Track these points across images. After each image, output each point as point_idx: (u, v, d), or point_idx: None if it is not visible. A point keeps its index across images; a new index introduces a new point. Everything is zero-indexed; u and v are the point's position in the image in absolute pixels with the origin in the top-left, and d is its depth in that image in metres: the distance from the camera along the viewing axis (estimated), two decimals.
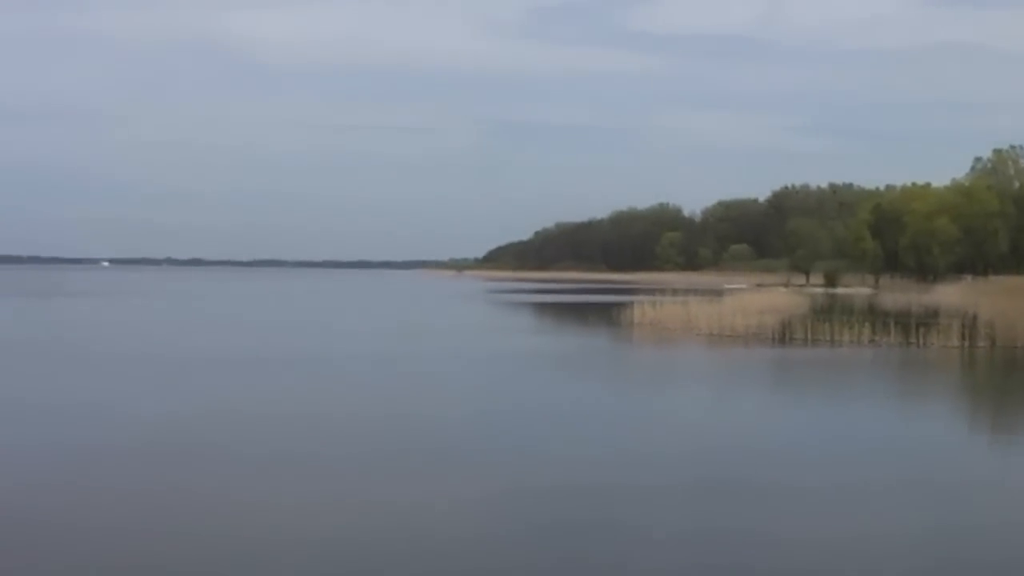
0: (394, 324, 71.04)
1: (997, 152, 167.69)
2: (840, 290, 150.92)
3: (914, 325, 56.03)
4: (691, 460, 21.82)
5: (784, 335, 56.14)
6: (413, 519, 16.42)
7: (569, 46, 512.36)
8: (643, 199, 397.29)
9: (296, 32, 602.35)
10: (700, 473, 20.37)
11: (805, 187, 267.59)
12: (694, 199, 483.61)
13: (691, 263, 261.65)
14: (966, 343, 51.41)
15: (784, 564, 14.50)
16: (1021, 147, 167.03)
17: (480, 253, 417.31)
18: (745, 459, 22.09)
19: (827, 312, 78.55)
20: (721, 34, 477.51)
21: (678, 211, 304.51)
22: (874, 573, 14.19)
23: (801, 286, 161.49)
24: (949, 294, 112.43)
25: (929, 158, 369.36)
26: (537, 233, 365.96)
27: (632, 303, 70.34)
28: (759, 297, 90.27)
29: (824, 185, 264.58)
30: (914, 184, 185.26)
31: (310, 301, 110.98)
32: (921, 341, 51.43)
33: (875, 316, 69.66)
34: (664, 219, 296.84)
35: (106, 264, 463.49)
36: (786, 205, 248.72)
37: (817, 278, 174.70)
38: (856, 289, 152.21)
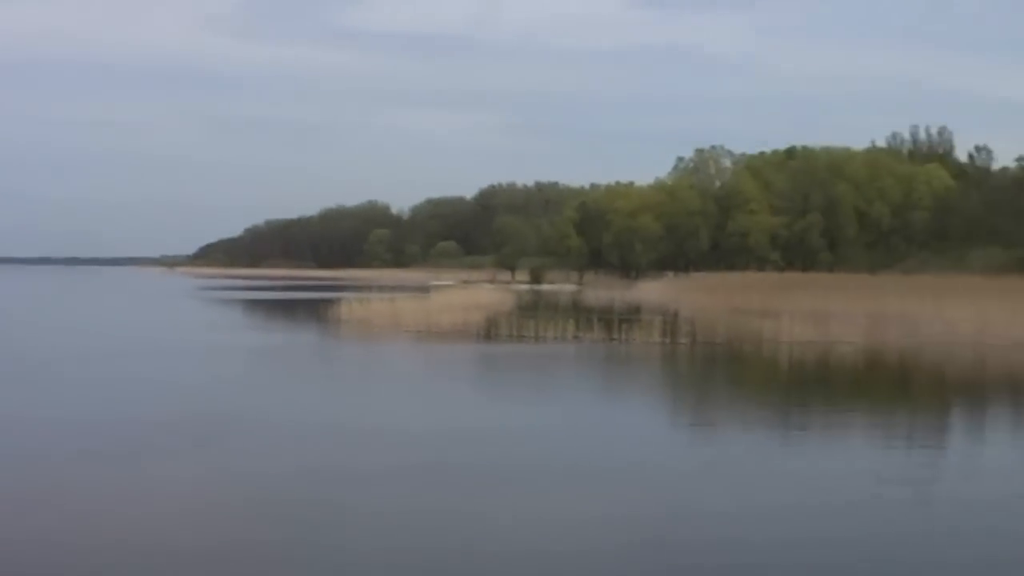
0: (92, 323, 69.67)
1: (699, 152, 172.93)
2: (545, 286, 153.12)
3: (617, 321, 57.12)
4: (394, 455, 21.49)
5: (490, 332, 56.53)
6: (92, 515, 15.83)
7: (283, 43, 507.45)
8: (354, 197, 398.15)
9: (9, 26, 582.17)
10: (400, 463, 20.19)
11: (512, 185, 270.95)
12: (404, 197, 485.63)
13: (399, 260, 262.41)
14: (667, 339, 52.48)
15: (491, 546, 14.45)
16: (722, 147, 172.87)
17: (191, 250, 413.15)
18: (445, 449, 21.94)
19: (532, 309, 79.52)
20: (435, 33, 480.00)
21: (387, 208, 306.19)
22: (585, 554, 14.26)
23: (507, 283, 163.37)
24: (651, 291, 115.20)
25: (636, 157, 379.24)
26: (248, 230, 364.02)
27: (340, 300, 70.10)
28: (465, 294, 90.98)
29: (531, 183, 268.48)
30: (618, 183, 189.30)
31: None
32: (624, 337, 52.21)
33: (579, 312, 70.71)
34: (373, 216, 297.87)
35: None
36: (493, 203, 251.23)
37: (523, 275, 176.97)
38: (561, 286, 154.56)
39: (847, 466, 21.20)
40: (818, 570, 14.12)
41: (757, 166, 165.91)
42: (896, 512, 17.30)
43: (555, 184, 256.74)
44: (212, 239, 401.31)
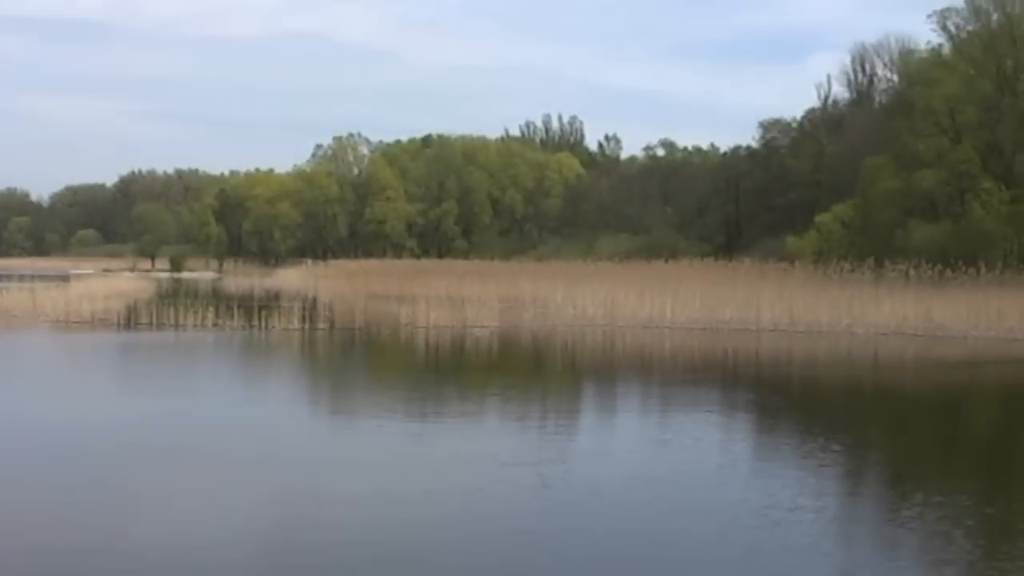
0: None
1: (337, 139, 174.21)
2: (186, 274, 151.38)
3: (257, 308, 57.48)
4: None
5: (130, 319, 56.23)
6: None
7: None
8: None
9: None
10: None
11: (152, 172, 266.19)
12: (44, 184, 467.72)
13: (40, 248, 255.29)
14: (307, 325, 53.20)
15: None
16: (360, 135, 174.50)
17: None
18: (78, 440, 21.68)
19: (173, 296, 79.02)
20: (74, 18, 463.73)
21: (26, 196, 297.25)
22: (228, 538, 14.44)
23: (147, 271, 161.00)
24: (290, 277, 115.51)
25: (276, 145, 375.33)
26: None
27: None
28: (105, 282, 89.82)
29: (171, 171, 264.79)
30: (258, 170, 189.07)
31: None
32: (264, 324, 52.40)
33: (219, 300, 70.65)
34: (12, 204, 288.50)
35: None
36: (133, 190, 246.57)
37: (163, 263, 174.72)
38: (201, 273, 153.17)
39: (477, 450, 21.90)
40: (425, 545, 14.82)
41: (394, 154, 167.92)
42: (517, 495, 17.95)
43: (195, 171, 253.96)
44: None
